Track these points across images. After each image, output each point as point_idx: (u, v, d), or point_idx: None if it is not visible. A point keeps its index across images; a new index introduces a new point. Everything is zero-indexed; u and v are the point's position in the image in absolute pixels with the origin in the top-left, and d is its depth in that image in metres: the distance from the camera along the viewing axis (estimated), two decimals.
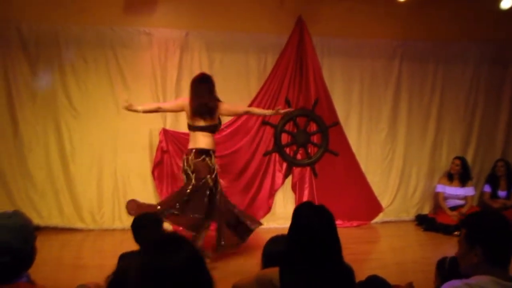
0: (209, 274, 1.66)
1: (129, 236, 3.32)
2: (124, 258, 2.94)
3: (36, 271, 2.18)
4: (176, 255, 1.60)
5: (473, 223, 2.18)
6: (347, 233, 6.15)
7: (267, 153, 6.59)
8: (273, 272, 2.29)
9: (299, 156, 6.74)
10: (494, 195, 7.12)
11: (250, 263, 4.80)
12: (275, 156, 6.68)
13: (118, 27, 6.16)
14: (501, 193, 7.09)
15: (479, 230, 2.12)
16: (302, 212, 2.34)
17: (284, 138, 6.67)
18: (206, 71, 6.31)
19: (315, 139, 6.75)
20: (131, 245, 3.23)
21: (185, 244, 1.67)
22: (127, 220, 5.69)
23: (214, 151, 5.09)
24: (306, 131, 6.70)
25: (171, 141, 6.24)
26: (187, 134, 6.29)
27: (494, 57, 7.28)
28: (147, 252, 1.65)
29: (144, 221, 3.36)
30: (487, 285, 1.97)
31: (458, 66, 7.23)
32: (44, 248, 5.38)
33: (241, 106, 5.67)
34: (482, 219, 2.20)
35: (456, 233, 6.24)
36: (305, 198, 6.58)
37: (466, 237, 2.14)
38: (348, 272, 2.32)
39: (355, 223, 6.74)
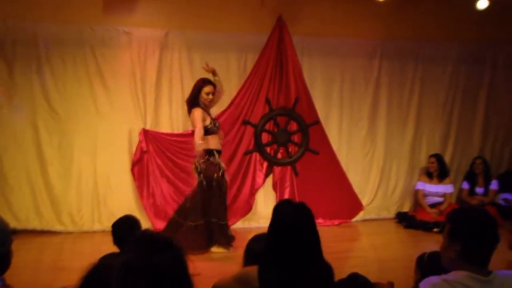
0: (190, 277, 1.65)
1: (109, 238, 3.29)
2: (105, 260, 2.91)
3: (14, 275, 2.14)
4: (160, 254, 1.59)
5: (456, 219, 2.19)
6: (329, 232, 6.19)
7: (247, 153, 6.58)
8: (252, 270, 2.29)
9: (279, 155, 6.74)
10: (472, 192, 7.22)
11: (232, 263, 4.79)
12: (256, 156, 6.67)
13: (98, 26, 6.08)
14: (479, 190, 7.19)
15: (460, 227, 2.13)
16: (281, 210, 2.37)
17: (265, 138, 6.67)
18: (186, 70, 6.35)
19: (295, 138, 6.76)
20: (111, 247, 3.19)
21: (170, 244, 1.66)
22: (107, 222, 5.65)
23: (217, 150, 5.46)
24: (286, 130, 6.71)
25: (151, 141, 6.20)
26: (168, 134, 6.33)
27: (472, 57, 7.37)
28: (131, 250, 1.63)
29: (124, 223, 3.33)
30: (464, 281, 1.99)
31: (437, 65, 7.30)
32: (22, 251, 5.29)
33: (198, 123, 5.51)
34: (465, 216, 2.20)
35: (435, 230, 6.33)
36: (286, 197, 6.58)
37: (448, 232, 2.16)
38: (327, 269, 2.33)
39: (336, 222, 6.77)
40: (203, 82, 5.44)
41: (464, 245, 2.07)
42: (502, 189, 7.17)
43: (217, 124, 5.48)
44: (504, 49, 7.47)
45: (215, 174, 5.33)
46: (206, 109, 5.44)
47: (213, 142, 5.41)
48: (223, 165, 5.44)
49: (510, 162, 7.60)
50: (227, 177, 5.58)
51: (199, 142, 5.28)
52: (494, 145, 7.68)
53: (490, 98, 7.54)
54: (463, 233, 2.10)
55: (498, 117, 7.62)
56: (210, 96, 5.43)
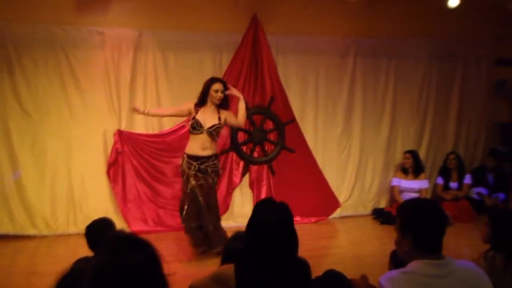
0: (164, 277, 1.64)
1: (84, 241, 3.24)
2: (79, 264, 2.86)
3: None
4: (133, 255, 1.58)
5: (403, 212, 2.25)
6: (306, 229, 6.21)
7: (223, 152, 6.55)
8: (229, 269, 2.28)
9: (256, 154, 6.74)
10: (446, 187, 7.33)
11: (208, 263, 4.78)
12: (232, 155, 6.66)
13: (70, 27, 5.97)
14: (453, 185, 7.31)
15: (407, 220, 2.20)
16: (260, 209, 2.36)
17: (241, 137, 6.66)
18: (161, 71, 6.32)
19: (271, 136, 6.77)
20: (87, 251, 3.15)
21: (143, 245, 1.65)
22: (82, 225, 5.54)
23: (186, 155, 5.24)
24: (262, 129, 6.71)
25: (126, 142, 6.15)
26: (143, 135, 6.27)
27: (444, 54, 7.47)
28: (104, 251, 1.61)
29: (97, 226, 3.27)
30: (420, 270, 2.06)
31: (410, 62, 7.39)
32: None
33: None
34: (411, 208, 2.26)
35: None
36: (263, 196, 6.58)
37: (399, 225, 2.22)
38: (304, 267, 2.34)
39: (313, 219, 6.80)
40: (211, 80, 5.26)
41: (414, 235, 2.13)
42: (475, 183, 7.30)
43: (197, 127, 5.10)
44: (474, 47, 7.60)
45: (184, 177, 5.21)
46: (200, 107, 5.21)
47: (188, 144, 5.23)
48: (186, 168, 5.14)
49: (483, 156, 7.73)
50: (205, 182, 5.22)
51: (152, 110, 5.45)
52: (467, 140, 7.80)
53: (462, 95, 7.66)
54: (410, 225, 2.16)
55: (470, 113, 7.74)
56: (219, 94, 5.17)
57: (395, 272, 2.07)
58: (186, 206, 5.12)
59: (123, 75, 6.18)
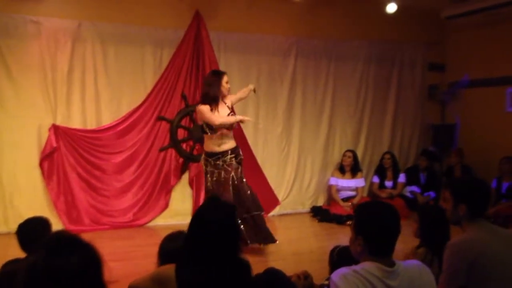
0: (102, 279, 1.59)
1: (15, 241, 3.08)
2: (9, 266, 2.72)
3: None
4: (69, 257, 1.51)
5: (358, 214, 2.28)
6: None
7: (162, 149, 6.47)
8: (169, 269, 2.24)
9: (195, 152, 6.68)
10: (381, 186, 7.55)
11: (147, 262, 4.69)
12: (171, 152, 6.58)
13: (1, 13, 5.69)
14: (388, 184, 7.54)
15: (361, 221, 2.22)
16: (203, 207, 2.33)
17: (180, 133, 6.59)
18: (100, 64, 6.15)
19: None
20: (18, 252, 3.01)
21: (81, 246, 1.59)
22: (14, 224, 5.32)
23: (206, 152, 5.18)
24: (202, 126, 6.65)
25: (62, 138, 5.94)
26: (80, 130, 6.07)
27: (381, 57, 7.71)
28: (39, 251, 1.54)
29: (31, 225, 3.13)
30: (371, 270, 2.08)
31: (349, 64, 7.56)
32: None
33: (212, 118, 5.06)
34: (365, 210, 2.28)
35: (348, 222, 6.55)
36: (202, 194, 6.52)
37: (353, 226, 2.24)
38: (244, 265, 2.33)
39: None
40: (219, 75, 5.17)
41: (366, 238, 2.15)
42: (409, 182, 7.55)
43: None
44: (409, 51, 7.89)
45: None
46: (215, 107, 5.08)
47: (205, 143, 5.24)
48: (204, 166, 5.20)
49: (416, 156, 8.02)
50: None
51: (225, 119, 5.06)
52: (402, 141, 8.06)
53: (398, 97, 7.92)
54: (363, 227, 2.18)
55: (405, 115, 8.01)
56: (229, 84, 5.16)
57: (346, 269, 2.09)
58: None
59: (60, 68, 5.96)
